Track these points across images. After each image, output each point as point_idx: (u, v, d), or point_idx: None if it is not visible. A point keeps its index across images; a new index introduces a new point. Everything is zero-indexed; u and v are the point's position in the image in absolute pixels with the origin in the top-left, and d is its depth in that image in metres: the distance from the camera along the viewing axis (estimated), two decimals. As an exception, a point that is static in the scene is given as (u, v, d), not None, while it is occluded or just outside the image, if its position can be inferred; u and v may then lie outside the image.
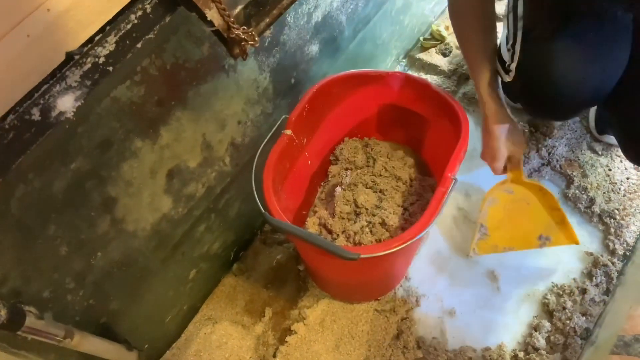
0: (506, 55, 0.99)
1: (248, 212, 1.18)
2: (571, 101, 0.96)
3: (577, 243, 1.08)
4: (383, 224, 1.05)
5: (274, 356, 1.08)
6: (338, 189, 1.13)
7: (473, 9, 0.96)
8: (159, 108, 0.78)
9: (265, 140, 0.96)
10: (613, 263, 1.12)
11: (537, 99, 0.99)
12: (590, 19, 0.90)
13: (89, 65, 0.61)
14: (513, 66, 0.98)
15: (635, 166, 1.24)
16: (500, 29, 1.21)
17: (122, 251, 0.85)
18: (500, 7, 1.41)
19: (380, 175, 1.16)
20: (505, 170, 1.04)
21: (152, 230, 0.90)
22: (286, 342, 1.08)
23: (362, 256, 0.80)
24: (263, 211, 0.87)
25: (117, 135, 0.73)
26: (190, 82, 0.81)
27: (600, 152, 1.28)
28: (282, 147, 0.97)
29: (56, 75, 0.59)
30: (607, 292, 1.09)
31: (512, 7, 0.98)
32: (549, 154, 1.28)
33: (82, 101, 0.62)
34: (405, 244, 0.82)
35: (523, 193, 1.12)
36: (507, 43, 1.00)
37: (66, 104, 0.61)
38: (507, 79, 1.00)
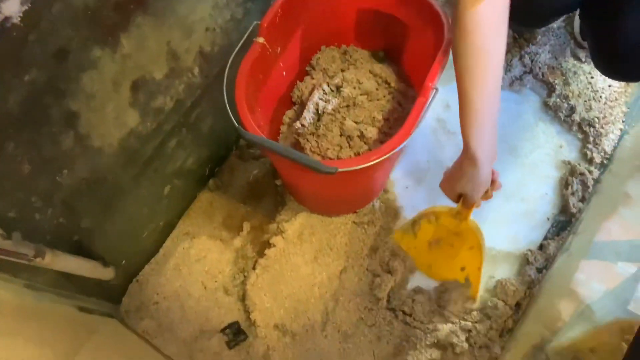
0: None
1: (222, 126, 1.13)
2: (543, 6, 0.93)
3: (474, 298, 1.03)
4: (361, 136, 1.02)
5: (254, 268, 1.09)
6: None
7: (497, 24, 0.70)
8: (117, 13, 0.72)
9: (237, 49, 0.90)
10: (590, 172, 1.12)
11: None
12: None
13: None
14: None
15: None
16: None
17: (89, 168, 0.82)
18: None
19: (359, 86, 1.11)
20: (458, 199, 0.92)
21: (120, 146, 0.86)
22: (265, 254, 1.09)
23: (340, 170, 0.78)
24: (237, 125, 0.84)
25: (73, 44, 0.68)
26: (150, -17, 0.74)
27: (583, 59, 1.25)
28: (255, 57, 0.91)
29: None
30: (582, 199, 1.10)
31: None
32: (532, 61, 1.25)
33: (29, 5, 0.58)
34: (383, 157, 0.80)
35: (456, 233, 1.01)
36: None
37: (11, 8, 0.57)
38: None
